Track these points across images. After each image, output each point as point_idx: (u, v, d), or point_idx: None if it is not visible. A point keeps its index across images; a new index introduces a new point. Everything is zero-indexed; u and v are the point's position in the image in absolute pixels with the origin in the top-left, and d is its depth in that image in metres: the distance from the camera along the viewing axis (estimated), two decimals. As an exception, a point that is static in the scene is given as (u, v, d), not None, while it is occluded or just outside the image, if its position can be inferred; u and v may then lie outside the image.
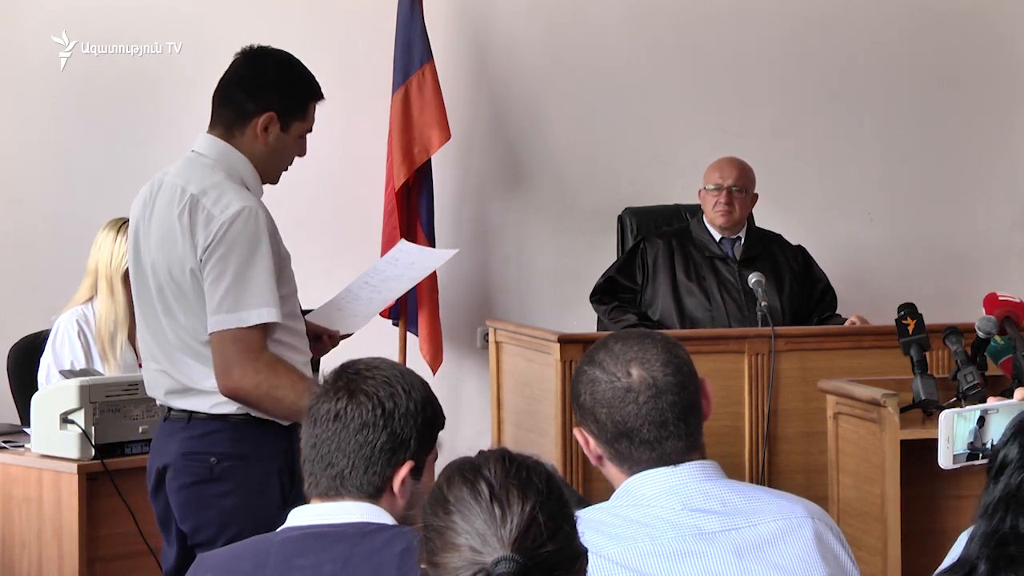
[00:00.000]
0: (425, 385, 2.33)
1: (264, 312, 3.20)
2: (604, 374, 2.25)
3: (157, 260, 3.28)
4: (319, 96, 3.41)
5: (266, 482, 3.25)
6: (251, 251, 3.20)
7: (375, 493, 2.25)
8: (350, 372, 2.30)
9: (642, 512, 2.19)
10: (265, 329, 3.22)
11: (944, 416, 2.20)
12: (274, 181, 3.46)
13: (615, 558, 2.12)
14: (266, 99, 3.32)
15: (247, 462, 3.25)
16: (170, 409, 3.33)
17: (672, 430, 2.23)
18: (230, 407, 3.24)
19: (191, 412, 3.28)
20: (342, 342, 4.14)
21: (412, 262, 3.89)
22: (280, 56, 3.41)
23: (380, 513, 2.24)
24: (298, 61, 3.43)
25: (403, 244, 4.12)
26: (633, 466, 2.24)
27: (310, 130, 3.41)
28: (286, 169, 3.46)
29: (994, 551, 1.87)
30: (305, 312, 3.65)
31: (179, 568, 3.34)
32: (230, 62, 3.39)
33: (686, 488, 2.21)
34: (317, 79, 3.44)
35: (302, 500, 3.24)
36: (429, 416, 2.30)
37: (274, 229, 3.29)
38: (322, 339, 3.60)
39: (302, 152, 3.43)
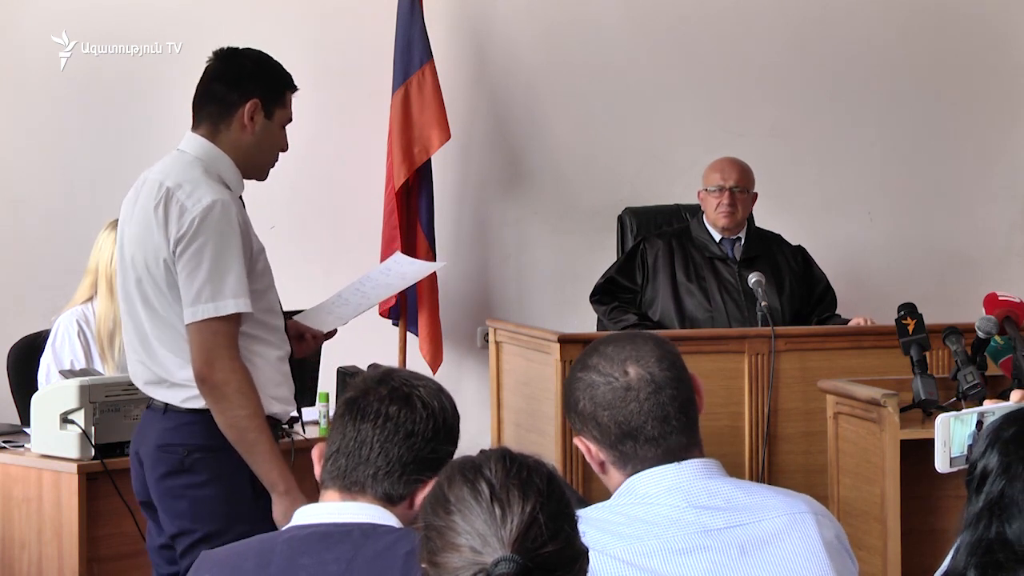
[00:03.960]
0: (455, 402, 2.36)
1: (241, 302, 3.29)
2: (601, 377, 2.25)
3: (135, 253, 3.38)
4: (294, 87, 3.52)
5: (236, 473, 3.33)
6: (224, 243, 3.29)
7: (395, 500, 2.26)
8: (399, 378, 2.31)
9: (646, 510, 2.19)
10: (239, 320, 3.31)
11: (940, 420, 2.20)
12: (262, 176, 3.54)
13: (621, 556, 2.12)
14: (248, 88, 3.42)
15: (217, 454, 3.32)
16: (151, 398, 3.42)
17: (675, 424, 2.23)
18: (200, 402, 3.32)
19: (167, 403, 3.38)
20: (340, 343, 4.15)
21: (403, 273, 4.03)
22: (253, 51, 3.54)
23: (387, 515, 2.25)
24: (269, 55, 3.54)
25: (399, 256, 4.29)
26: (638, 465, 2.24)
27: (290, 120, 3.51)
28: (272, 165, 3.53)
29: (982, 559, 1.87)
30: (295, 313, 3.71)
31: (166, 546, 3.44)
32: (204, 67, 3.50)
33: (690, 485, 2.22)
34: (299, 77, 3.53)
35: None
36: (457, 435, 2.33)
37: (246, 223, 3.37)
38: (305, 338, 3.68)
39: (285, 146, 3.52)
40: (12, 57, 5.70)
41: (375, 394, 2.28)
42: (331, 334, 3.78)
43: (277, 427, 3.44)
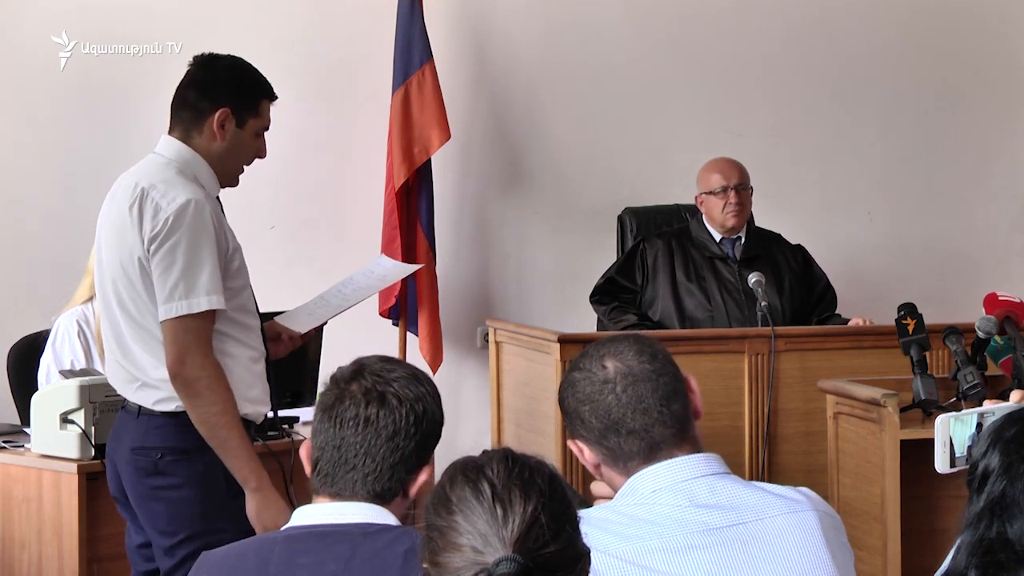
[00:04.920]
0: (432, 380, 2.35)
1: (214, 299, 3.32)
2: (581, 373, 2.28)
3: (111, 253, 3.41)
4: (271, 95, 3.53)
5: (210, 474, 3.36)
6: (197, 241, 3.32)
7: (389, 497, 2.26)
8: (371, 374, 2.29)
9: (648, 510, 2.19)
10: (213, 317, 3.33)
11: (940, 421, 2.20)
12: (234, 183, 3.55)
13: (623, 555, 2.12)
14: (219, 96, 3.45)
15: (189, 456, 3.36)
16: (126, 399, 3.45)
17: (657, 416, 2.24)
18: (171, 404, 3.35)
19: (140, 406, 3.40)
20: (340, 343, 4.15)
21: (384, 275, 4.06)
22: (230, 58, 3.56)
23: (384, 514, 2.25)
24: (248, 63, 3.56)
25: (382, 258, 4.35)
26: (628, 461, 2.25)
27: (266, 128, 3.52)
28: (243, 171, 3.55)
29: (983, 559, 1.87)
30: (275, 314, 3.75)
31: (144, 545, 3.47)
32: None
33: (692, 484, 2.21)
34: (270, 81, 3.54)
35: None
36: (442, 417, 2.32)
37: (220, 222, 3.40)
38: (282, 339, 3.69)
39: (262, 153, 3.54)
40: (12, 57, 5.70)
41: (350, 396, 2.26)
42: (308, 335, 3.79)
43: (249, 428, 3.44)
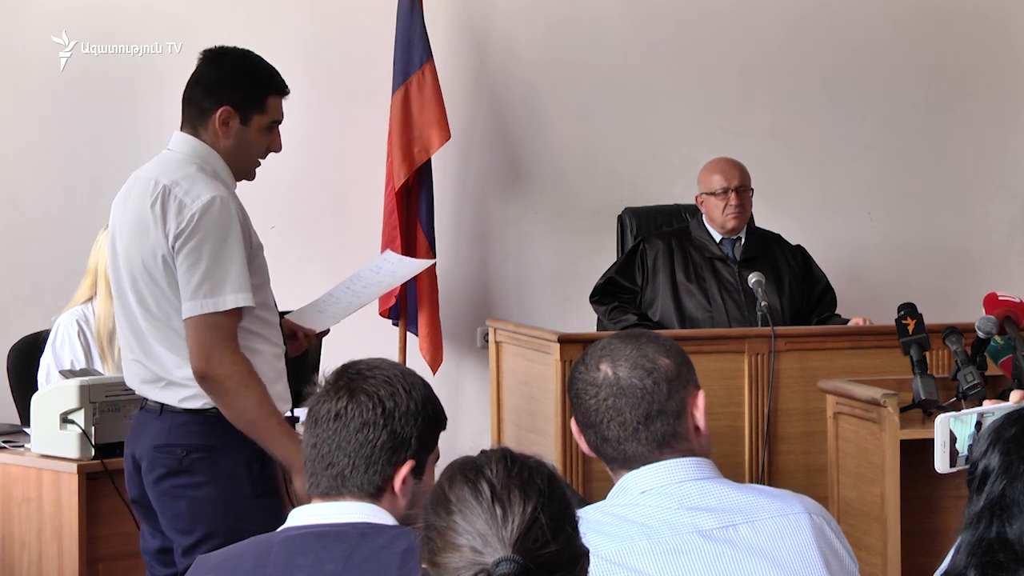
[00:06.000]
0: (426, 384, 2.33)
1: (241, 297, 3.29)
2: (581, 365, 2.29)
3: (131, 251, 3.38)
4: (280, 90, 3.48)
5: (234, 473, 3.34)
6: (224, 238, 3.29)
7: (376, 493, 2.25)
8: (351, 372, 2.30)
9: (638, 512, 2.18)
10: (240, 315, 3.31)
11: (939, 420, 2.20)
12: (249, 177, 3.52)
13: (612, 557, 2.12)
14: (220, 95, 3.41)
15: (215, 454, 3.34)
16: (145, 399, 3.42)
17: (632, 432, 2.22)
18: (198, 402, 3.34)
19: (163, 404, 3.37)
20: (340, 343, 4.15)
21: (393, 271, 4.03)
22: (237, 53, 3.51)
23: (381, 513, 2.24)
24: (257, 57, 3.51)
25: (388, 254, 4.32)
26: (609, 462, 2.26)
27: (277, 123, 3.48)
28: (258, 164, 3.52)
29: (982, 559, 1.87)
30: (284, 313, 3.72)
31: (163, 550, 3.45)
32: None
33: (682, 486, 2.21)
34: (280, 74, 3.50)
35: (275, 489, 3.33)
36: (430, 415, 2.30)
37: (245, 218, 3.37)
38: (297, 336, 3.68)
39: (276, 147, 3.50)
40: (12, 57, 5.70)
41: (326, 396, 2.28)
42: (323, 333, 3.78)
43: None
